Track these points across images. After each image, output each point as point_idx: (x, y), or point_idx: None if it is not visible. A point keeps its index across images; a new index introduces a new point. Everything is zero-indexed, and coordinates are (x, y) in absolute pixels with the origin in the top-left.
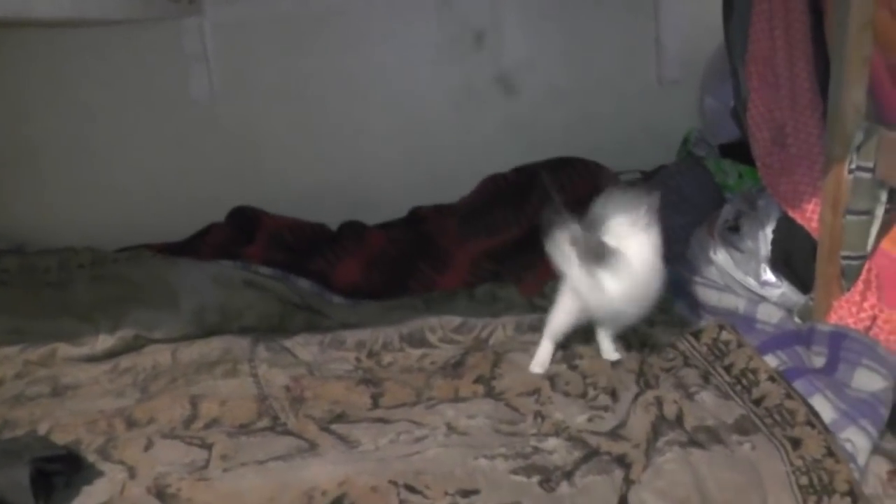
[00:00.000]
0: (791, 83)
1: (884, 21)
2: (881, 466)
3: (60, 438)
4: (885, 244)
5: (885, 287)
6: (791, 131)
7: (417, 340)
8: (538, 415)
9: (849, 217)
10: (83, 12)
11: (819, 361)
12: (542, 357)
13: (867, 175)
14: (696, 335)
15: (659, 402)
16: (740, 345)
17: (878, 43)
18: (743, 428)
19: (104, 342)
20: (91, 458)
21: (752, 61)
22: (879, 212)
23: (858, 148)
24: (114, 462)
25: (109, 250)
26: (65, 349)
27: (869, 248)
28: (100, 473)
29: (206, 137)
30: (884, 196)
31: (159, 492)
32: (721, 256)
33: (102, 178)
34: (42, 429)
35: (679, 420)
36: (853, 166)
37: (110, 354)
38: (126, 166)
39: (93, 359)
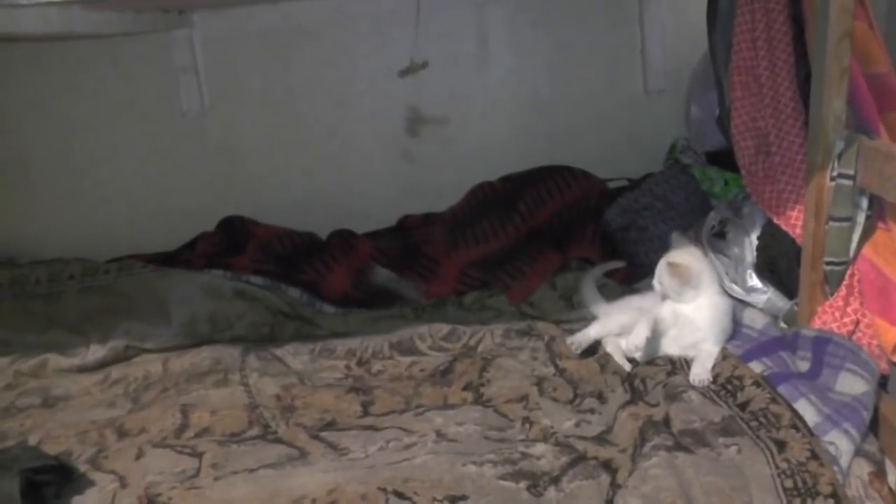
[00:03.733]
0: (774, 93)
1: (862, 32)
2: (863, 468)
3: (51, 449)
4: (867, 250)
5: (866, 292)
6: (774, 140)
7: (407, 348)
8: (526, 421)
9: (831, 223)
10: (72, 27)
11: (804, 366)
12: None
13: (848, 182)
14: None
15: (647, 409)
16: (724, 356)
17: (857, 53)
18: (729, 429)
19: (95, 353)
20: (82, 468)
21: (736, 71)
22: (860, 218)
23: (839, 156)
24: (105, 472)
25: (99, 261)
26: (56, 360)
27: (851, 254)
28: (91, 483)
29: (195, 149)
30: (864, 203)
31: (150, 501)
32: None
33: (92, 190)
34: (33, 440)
35: (666, 423)
36: (834, 174)
37: (101, 365)
38: (115, 178)
39: (84, 369)
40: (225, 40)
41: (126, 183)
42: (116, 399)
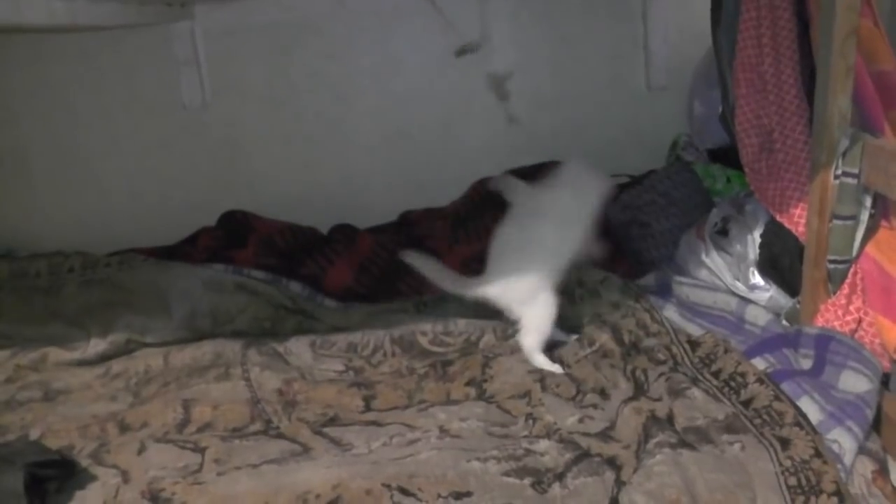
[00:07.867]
0: (778, 90)
1: (867, 29)
2: (866, 466)
3: (53, 443)
4: (870, 249)
5: (869, 291)
6: (778, 137)
7: (408, 343)
8: (529, 417)
9: (835, 222)
10: (76, 19)
11: (806, 363)
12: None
13: (852, 181)
14: (693, 346)
15: (650, 404)
16: (727, 350)
17: (862, 51)
18: (733, 427)
19: (96, 346)
20: (84, 462)
21: (740, 68)
22: (864, 217)
23: (844, 154)
24: (107, 466)
25: (100, 254)
26: (56, 353)
27: (854, 252)
28: (93, 478)
29: (196, 142)
30: (868, 201)
31: (153, 496)
32: (713, 258)
33: (92, 183)
34: (34, 434)
35: (670, 420)
36: (839, 172)
37: (102, 359)
38: (116, 171)
39: (84, 363)
40: (227, 33)
41: (127, 176)
42: (118, 393)
